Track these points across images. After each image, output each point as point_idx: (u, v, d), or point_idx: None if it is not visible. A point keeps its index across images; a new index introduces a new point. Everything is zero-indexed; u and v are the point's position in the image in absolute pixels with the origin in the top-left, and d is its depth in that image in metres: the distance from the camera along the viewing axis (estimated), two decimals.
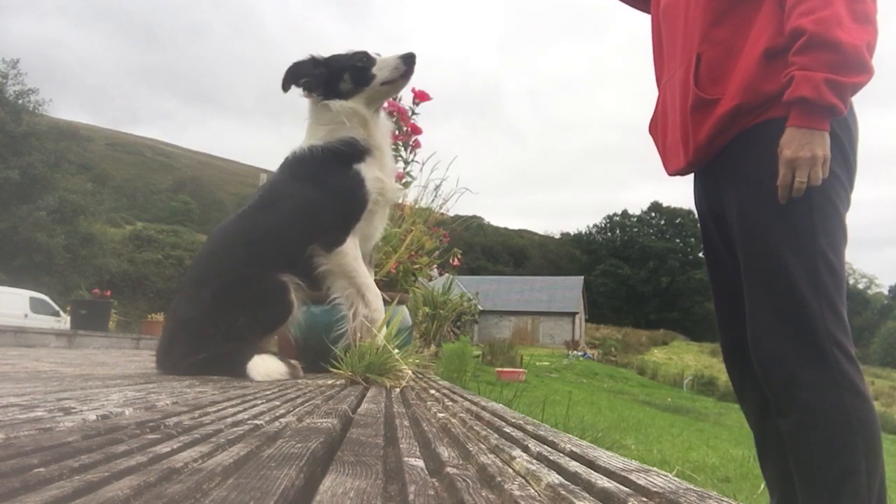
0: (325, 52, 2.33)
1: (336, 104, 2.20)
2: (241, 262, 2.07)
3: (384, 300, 2.28)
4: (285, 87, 2.21)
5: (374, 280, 2.41)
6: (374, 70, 2.22)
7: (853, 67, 1.48)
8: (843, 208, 1.61)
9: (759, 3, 1.65)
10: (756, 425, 1.84)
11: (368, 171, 2.17)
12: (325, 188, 2.14)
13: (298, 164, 2.18)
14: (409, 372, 2.10)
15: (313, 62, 2.24)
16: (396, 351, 1.87)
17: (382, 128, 2.30)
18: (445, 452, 0.73)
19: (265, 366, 1.96)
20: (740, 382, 1.86)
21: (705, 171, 1.80)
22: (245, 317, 2.02)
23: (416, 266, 3.45)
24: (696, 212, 1.96)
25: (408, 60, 2.23)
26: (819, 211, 1.56)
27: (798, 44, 1.51)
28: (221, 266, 2.11)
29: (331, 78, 2.21)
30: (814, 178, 1.51)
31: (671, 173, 1.88)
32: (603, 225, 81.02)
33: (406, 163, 3.70)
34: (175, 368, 1.99)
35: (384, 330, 2.05)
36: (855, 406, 1.51)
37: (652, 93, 1.99)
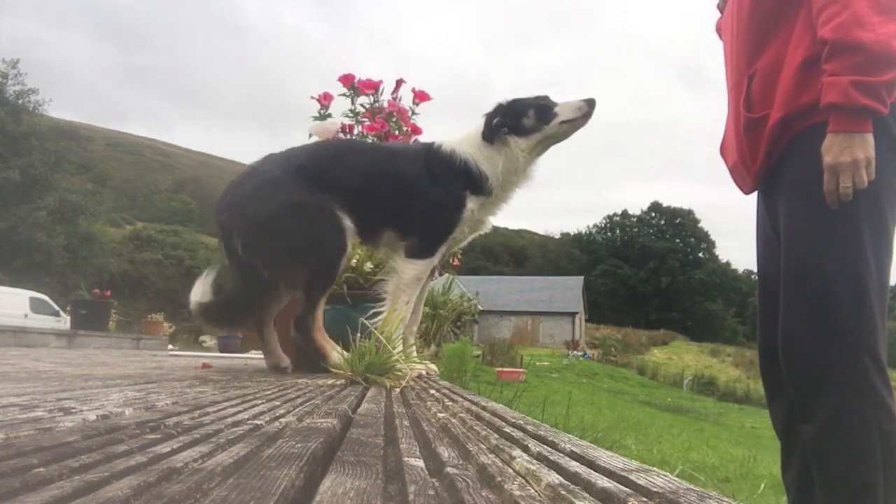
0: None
1: (512, 141, 2.29)
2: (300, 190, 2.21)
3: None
4: (490, 139, 2.29)
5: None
6: (557, 110, 2.32)
7: (881, 64, 1.45)
8: (892, 215, 1.57)
9: (795, 15, 1.64)
10: (783, 430, 1.82)
11: (472, 203, 2.29)
12: (435, 192, 2.27)
13: (433, 158, 2.31)
14: (424, 366, 2.22)
15: (502, 108, 2.34)
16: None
17: (524, 178, 2.38)
18: (445, 452, 0.73)
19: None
20: (773, 385, 1.84)
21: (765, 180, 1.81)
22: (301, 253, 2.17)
23: None
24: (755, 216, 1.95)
25: (591, 104, 2.32)
26: (866, 217, 1.53)
27: (824, 53, 1.51)
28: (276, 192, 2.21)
29: (517, 115, 2.32)
30: (858, 182, 1.48)
31: (747, 193, 1.89)
32: (603, 225, 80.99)
33: None
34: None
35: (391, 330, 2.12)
36: (878, 418, 1.48)
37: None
